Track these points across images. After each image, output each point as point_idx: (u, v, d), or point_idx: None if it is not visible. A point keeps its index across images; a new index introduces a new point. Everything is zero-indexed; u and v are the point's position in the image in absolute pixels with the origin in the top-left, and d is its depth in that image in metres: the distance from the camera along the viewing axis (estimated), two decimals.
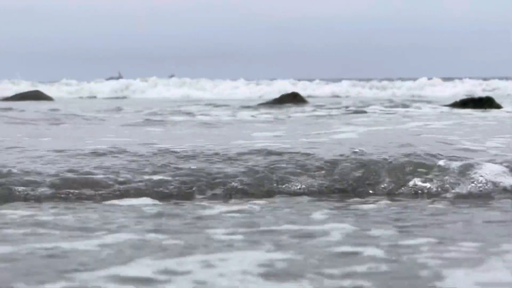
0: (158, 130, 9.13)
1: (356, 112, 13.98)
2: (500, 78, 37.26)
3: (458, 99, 17.10)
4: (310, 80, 34.14)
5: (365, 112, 14.02)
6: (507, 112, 13.82)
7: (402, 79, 37.47)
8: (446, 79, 34.99)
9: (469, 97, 19.14)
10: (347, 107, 15.82)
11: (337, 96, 28.37)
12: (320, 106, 16.37)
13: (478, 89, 31.08)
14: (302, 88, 29.03)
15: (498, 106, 15.20)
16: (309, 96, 22.87)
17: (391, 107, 16.35)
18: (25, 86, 30.05)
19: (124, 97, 27.76)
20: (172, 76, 33.81)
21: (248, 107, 16.07)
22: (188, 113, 13.57)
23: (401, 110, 15.10)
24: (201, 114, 13.25)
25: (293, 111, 14.15)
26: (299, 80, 33.93)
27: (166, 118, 11.97)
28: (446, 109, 15.35)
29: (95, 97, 28.39)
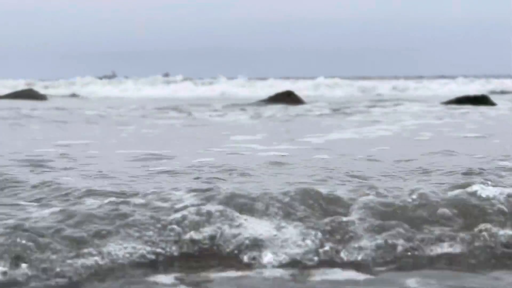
0: (130, 129, 8.30)
1: (350, 112, 13.17)
2: (497, 77, 36.54)
3: (454, 97, 17.10)
4: (305, 78, 33.45)
5: (361, 112, 13.23)
6: (501, 109, 13.92)
7: (398, 78, 36.86)
8: (442, 77, 34.47)
9: (465, 95, 19.00)
10: (343, 107, 15.05)
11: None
12: (314, 105, 15.58)
13: (471, 87, 30.33)
14: (298, 87, 28.27)
15: (492, 104, 15.41)
16: (304, 94, 22.01)
17: (387, 106, 15.67)
18: (21, 85, 29.47)
19: (111, 97, 26.90)
20: (166, 74, 33.08)
21: (238, 105, 15.25)
22: (173, 112, 12.72)
23: (399, 108, 14.37)
24: (186, 113, 12.37)
25: (284, 111, 13.29)
26: (293, 78, 33.21)
27: (145, 117, 11.14)
28: (443, 107, 14.93)
29: (87, 96, 27.60)
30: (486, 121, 9.97)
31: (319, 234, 2.78)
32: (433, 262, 2.70)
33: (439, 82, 32.60)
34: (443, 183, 3.46)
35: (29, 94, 23.05)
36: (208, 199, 2.98)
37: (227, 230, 2.80)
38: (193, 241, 2.73)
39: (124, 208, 2.87)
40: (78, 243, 2.60)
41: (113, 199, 2.99)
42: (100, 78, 35.97)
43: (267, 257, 2.68)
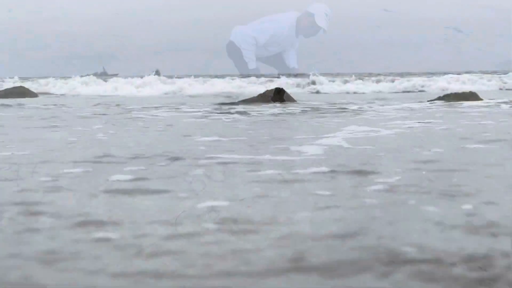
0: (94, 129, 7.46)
1: (345, 111, 12.36)
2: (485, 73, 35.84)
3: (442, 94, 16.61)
4: (298, 75, 32.76)
5: (354, 111, 12.48)
6: (486, 103, 13.94)
7: (386, 74, 36.20)
8: (429, 73, 33.90)
9: (453, 92, 18.70)
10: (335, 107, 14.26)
11: (318, 92, 26.70)
12: (305, 105, 14.81)
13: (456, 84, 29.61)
14: (290, 84, 27.51)
15: (479, 98, 15.55)
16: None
17: (381, 104, 14.94)
18: (14, 82, 28.86)
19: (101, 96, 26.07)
20: (157, 71, 32.21)
21: (226, 104, 14.44)
22: (150, 111, 11.88)
23: (396, 106, 13.60)
24: (167, 111, 11.52)
25: (272, 109, 12.47)
26: (285, 75, 32.49)
27: (115, 115, 10.30)
28: (433, 104, 14.31)
29: (79, 94, 26.78)
30: (482, 120, 9.21)
31: None
32: None
33: (426, 79, 31.85)
34: None
35: (20, 92, 22.59)
36: None
37: None
38: None
39: None
40: None
41: None
42: (96, 75, 35.11)
43: None
